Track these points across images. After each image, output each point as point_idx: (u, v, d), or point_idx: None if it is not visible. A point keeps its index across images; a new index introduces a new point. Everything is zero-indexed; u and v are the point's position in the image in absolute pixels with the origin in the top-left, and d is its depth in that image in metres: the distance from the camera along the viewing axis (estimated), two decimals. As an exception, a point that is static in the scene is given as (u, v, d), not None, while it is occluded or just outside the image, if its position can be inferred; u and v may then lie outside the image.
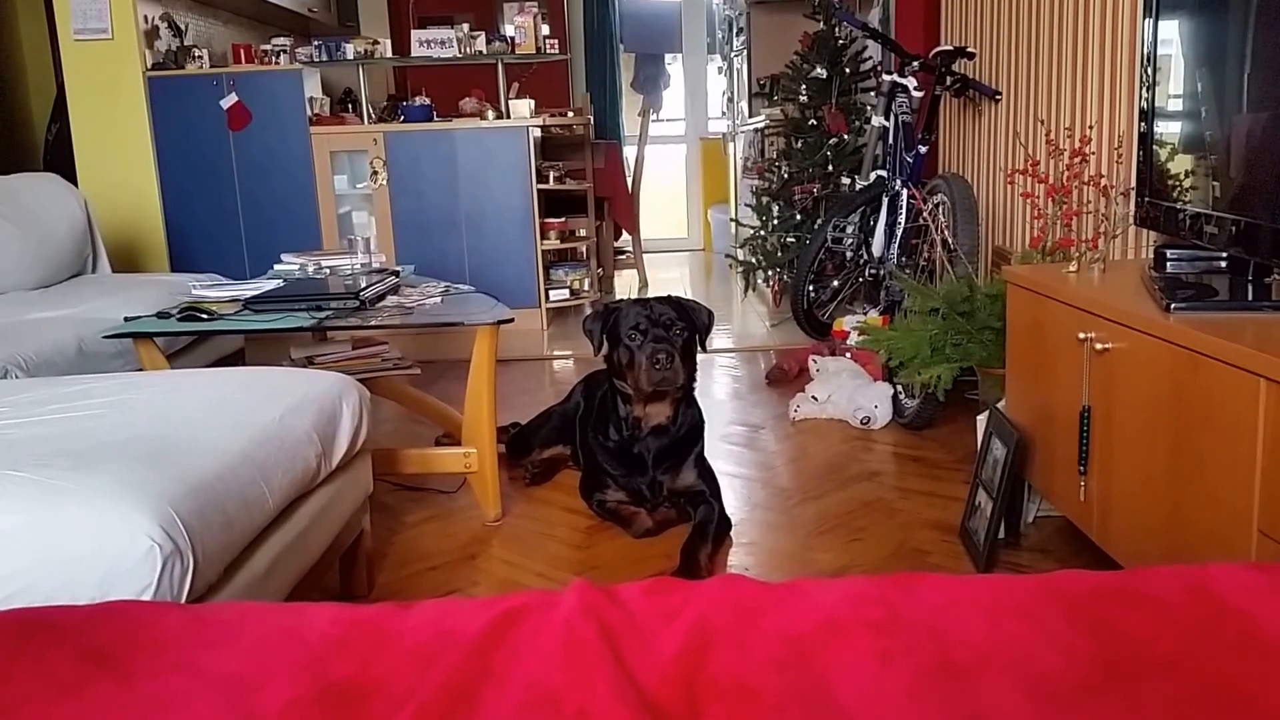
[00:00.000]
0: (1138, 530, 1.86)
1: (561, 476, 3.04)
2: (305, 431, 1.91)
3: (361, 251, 3.45)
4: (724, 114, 8.21)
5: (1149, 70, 2.23)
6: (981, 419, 2.56)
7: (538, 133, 5.35)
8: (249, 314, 2.66)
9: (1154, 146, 2.23)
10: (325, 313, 2.63)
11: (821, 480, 2.94)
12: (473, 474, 2.67)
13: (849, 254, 4.31)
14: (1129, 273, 2.22)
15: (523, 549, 2.54)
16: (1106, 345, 1.89)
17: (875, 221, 4.11)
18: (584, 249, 5.74)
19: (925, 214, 3.35)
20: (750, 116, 6.64)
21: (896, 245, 3.58)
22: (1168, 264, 2.20)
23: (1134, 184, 2.36)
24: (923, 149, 3.71)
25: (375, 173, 5.25)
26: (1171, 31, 2.18)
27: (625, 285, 6.79)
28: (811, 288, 4.46)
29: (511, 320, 2.56)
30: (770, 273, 5.20)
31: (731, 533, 2.56)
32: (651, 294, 6.60)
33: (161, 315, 2.68)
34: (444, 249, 5.28)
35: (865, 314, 4.27)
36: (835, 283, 4.54)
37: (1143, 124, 2.27)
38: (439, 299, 2.88)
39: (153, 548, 1.39)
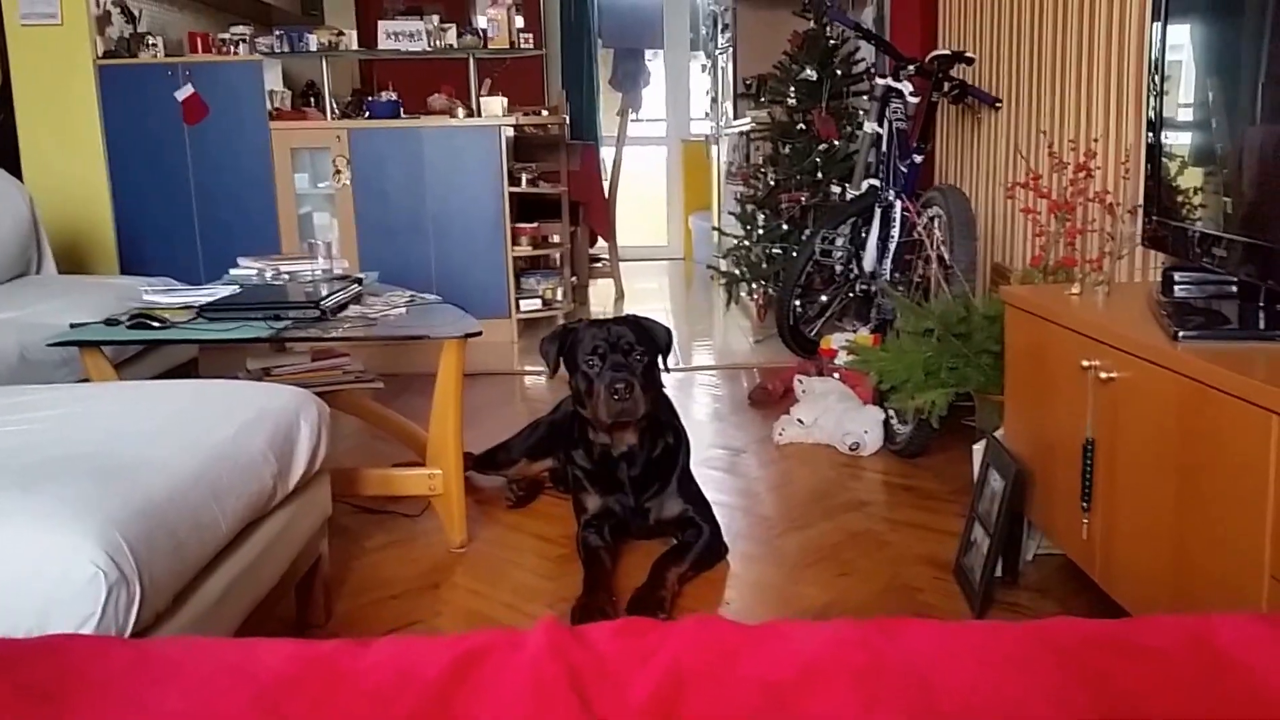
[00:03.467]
0: (1142, 573, 1.87)
1: (539, 503, 3.03)
2: (260, 450, 1.90)
3: (323, 257, 3.43)
4: (707, 115, 8.25)
5: (1157, 80, 2.25)
6: (978, 448, 2.58)
7: (510, 132, 5.36)
8: (203, 323, 2.64)
9: (1162, 161, 2.25)
10: (284, 323, 2.61)
11: (807, 509, 2.95)
12: (437, 497, 2.66)
13: (838, 267, 4.33)
14: (1135, 296, 2.23)
15: (489, 578, 2.53)
16: (1111, 375, 1.91)
17: (867, 234, 4.13)
18: (557, 256, 5.73)
19: (920, 228, 3.38)
20: (736, 118, 6.67)
21: (890, 260, 3.60)
22: (1175, 287, 2.22)
23: (1141, 201, 2.39)
24: (918, 158, 3.74)
25: (338, 172, 5.23)
26: (1182, 38, 2.19)
27: (601, 295, 6.80)
28: (798, 302, 4.47)
29: (479, 334, 2.56)
30: (755, 285, 5.22)
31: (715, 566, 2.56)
32: (629, 306, 6.67)
33: (110, 322, 2.66)
34: (409, 254, 5.27)
35: (855, 331, 4.29)
36: (823, 297, 4.56)
37: (1150, 137, 2.29)
38: (404, 309, 2.87)
39: (97, 575, 1.37)
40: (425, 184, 5.25)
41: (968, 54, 3.85)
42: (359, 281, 3.29)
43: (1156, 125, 2.26)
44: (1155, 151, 2.27)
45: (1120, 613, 1.95)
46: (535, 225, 5.51)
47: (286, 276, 3.44)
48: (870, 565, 2.55)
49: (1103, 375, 1.92)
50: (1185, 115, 2.20)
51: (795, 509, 2.96)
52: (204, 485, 1.67)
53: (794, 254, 4.78)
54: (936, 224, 3.37)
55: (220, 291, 2.98)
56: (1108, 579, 1.99)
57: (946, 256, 3.12)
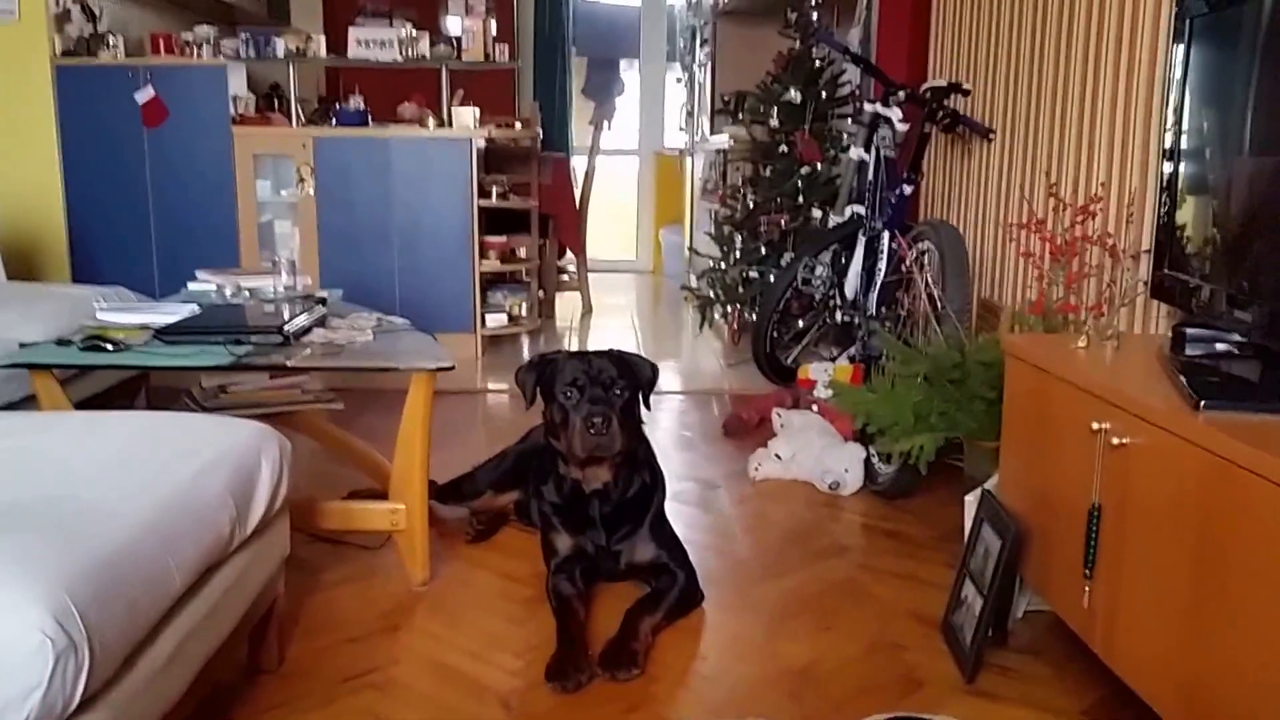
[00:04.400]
0: (1150, 652, 1.80)
1: (502, 536, 2.93)
2: (218, 494, 1.79)
3: (286, 273, 3.31)
4: (682, 129, 8.19)
5: (1172, 117, 2.19)
6: (970, 500, 2.51)
7: (481, 143, 5.25)
8: (159, 345, 2.52)
9: (1176, 208, 2.19)
10: (245, 348, 2.49)
11: (785, 553, 2.87)
12: (399, 532, 2.55)
13: (819, 295, 4.28)
14: (1144, 353, 2.18)
15: (453, 622, 2.42)
16: (1124, 440, 1.84)
17: (849, 261, 4.08)
18: (524, 271, 5.63)
19: (909, 263, 3.32)
20: (712, 134, 6.61)
21: (876, 294, 3.53)
22: (1186, 345, 2.16)
23: (1148, 248, 2.33)
24: (908, 189, 3.68)
25: (302, 180, 5.10)
26: (1204, 70, 2.11)
27: (567, 310, 6.69)
28: (775, 329, 4.41)
29: (452, 368, 2.46)
30: (730, 308, 5.14)
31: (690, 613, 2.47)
32: (596, 321, 6.58)
33: (62, 343, 2.54)
34: (374, 266, 5.15)
35: (833, 360, 4.22)
36: (801, 324, 4.50)
37: (1164, 182, 2.22)
38: (370, 335, 2.76)
39: (44, 642, 1.26)
40: (392, 195, 5.13)
41: (964, 86, 3.80)
42: (323, 302, 3.18)
43: (1172, 172, 2.20)
44: (1170, 197, 2.21)
45: (1116, 680, 1.89)
46: (504, 239, 5.41)
47: (247, 294, 3.32)
48: (854, 619, 2.47)
49: (1115, 440, 1.85)
50: (1200, 161, 2.13)
51: (772, 553, 2.88)
52: (158, 536, 1.56)
53: (772, 278, 4.72)
54: (927, 259, 3.31)
55: (179, 311, 2.86)
56: (1110, 653, 1.92)
57: (938, 295, 3.06)
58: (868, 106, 4.04)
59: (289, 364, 2.46)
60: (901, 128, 3.89)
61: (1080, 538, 1.99)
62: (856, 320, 3.73)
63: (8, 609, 1.26)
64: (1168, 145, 2.22)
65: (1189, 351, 2.03)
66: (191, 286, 3.48)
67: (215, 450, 1.89)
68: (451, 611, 2.48)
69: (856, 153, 4.10)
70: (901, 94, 3.82)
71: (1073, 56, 3.21)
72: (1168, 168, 2.21)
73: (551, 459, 2.54)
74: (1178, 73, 2.17)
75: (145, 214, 5.05)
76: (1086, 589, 1.98)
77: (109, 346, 2.48)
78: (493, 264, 5.30)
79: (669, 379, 4.96)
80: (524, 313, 5.55)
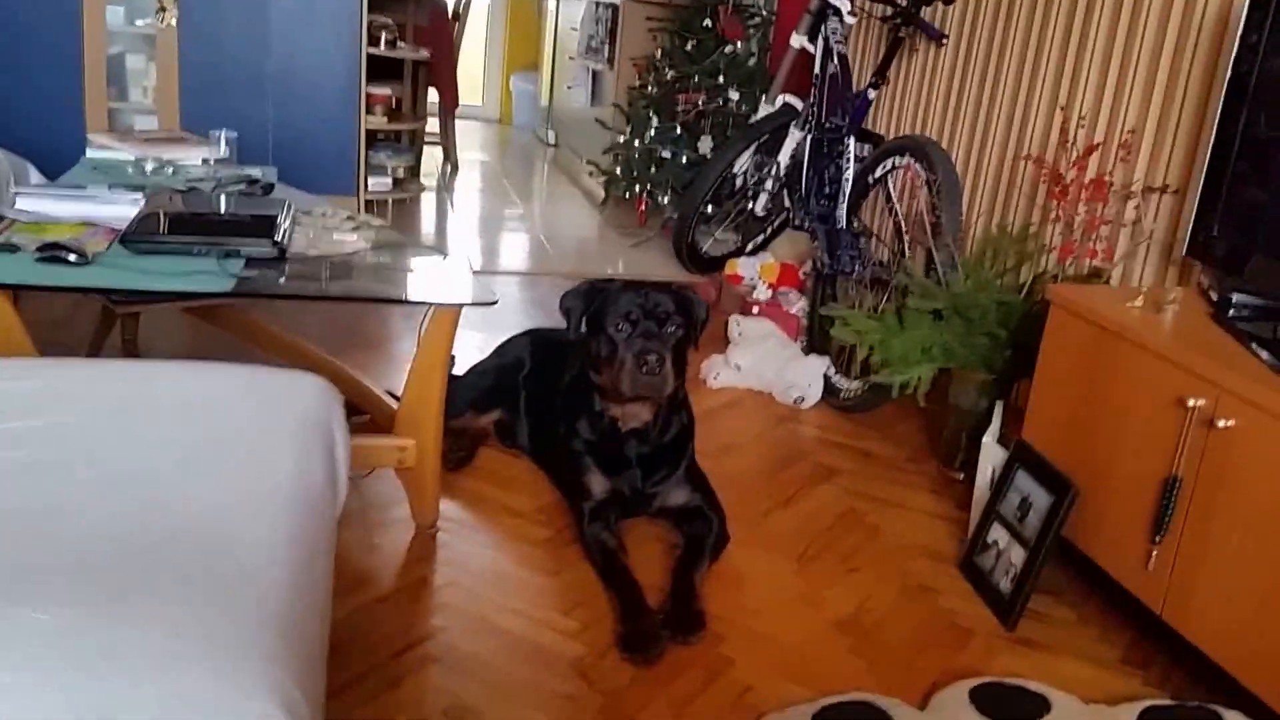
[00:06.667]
0: (1232, 622, 1.86)
1: (485, 461, 2.75)
2: (321, 483, 1.55)
3: (224, 145, 2.90)
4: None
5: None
6: (989, 441, 2.51)
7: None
8: (127, 256, 2.14)
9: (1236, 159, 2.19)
10: (239, 264, 2.15)
11: (777, 478, 2.83)
12: (407, 470, 2.34)
13: (738, 184, 4.17)
14: (1199, 318, 2.20)
15: (479, 572, 2.24)
16: (1229, 423, 1.85)
17: (776, 152, 3.98)
18: (414, 132, 5.22)
19: (896, 188, 3.23)
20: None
21: (846, 205, 3.43)
22: (1231, 311, 2.20)
23: (1196, 204, 2.32)
24: (871, 93, 3.56)
25: (163, 9, 4.46)
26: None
27: (432, 164, 6.28)
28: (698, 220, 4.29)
29: (495, 303, 2.22)
30: (637, 188, 4.94)
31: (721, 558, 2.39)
32: (464, 179, 6.21)
33: (6, 248, 2.10)
34: (244, 115, 4.57)
35: (756, 255, 4.15)
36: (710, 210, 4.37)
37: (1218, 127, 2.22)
38: (360, 240, 2.45)
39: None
40: (269, 34, 4.58)
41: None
42: (270, 188, 2.83)
43: (1233, 110, 2.19)
44: (1229, 147, 2.21)
45: (1139, 626, 1.95)
46: (388, 92, 4.98)
47: (169, 169, 2.91)
48: (874, 559, 2.46)
49: (1220, 424, 1.86)
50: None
51: (764, 479, 2.83)
52: (315, 568, 1.33)
53: (684, 159, 4.56)
54: (902, 176, 3.23)
55: (119, 200, 2.45)
56: (1179, 617, 1.97)
57: (929, 221, 2.98)
58: (816, -6, 3.86)
59: (308, 294, 2.15)
60: (850, 20, 3.75)
61: (1148, 504, 2.03)
62: (809, 225, 3.62)
63: (240, 699, 1.04)
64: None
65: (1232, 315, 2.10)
66: (92, 154, 3.01)
67: (297, 419, 1.63)
68: (472, 560, 2.30)
69: (798, 40, 3.92)
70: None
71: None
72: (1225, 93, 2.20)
73: (586, 392, 2.37)
74: None
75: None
76: (1154, 553, 2.02)
77: (69, 258, 2.09)
78: (380, 120, 4.87)
79: (564, 258, 4.75)
80: (400, 174, 5.16)
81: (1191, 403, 1.92)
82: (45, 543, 1.21)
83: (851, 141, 3.47)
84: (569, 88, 6.71)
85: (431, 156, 6.37)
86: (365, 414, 2.57)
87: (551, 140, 7.29)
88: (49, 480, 1.34)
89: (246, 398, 1.67)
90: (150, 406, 1.59)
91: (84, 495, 1.32)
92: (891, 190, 3.36)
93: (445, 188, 6.01)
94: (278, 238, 2.25)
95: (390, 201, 5.04)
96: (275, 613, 1.18)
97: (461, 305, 2.17)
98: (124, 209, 2.39)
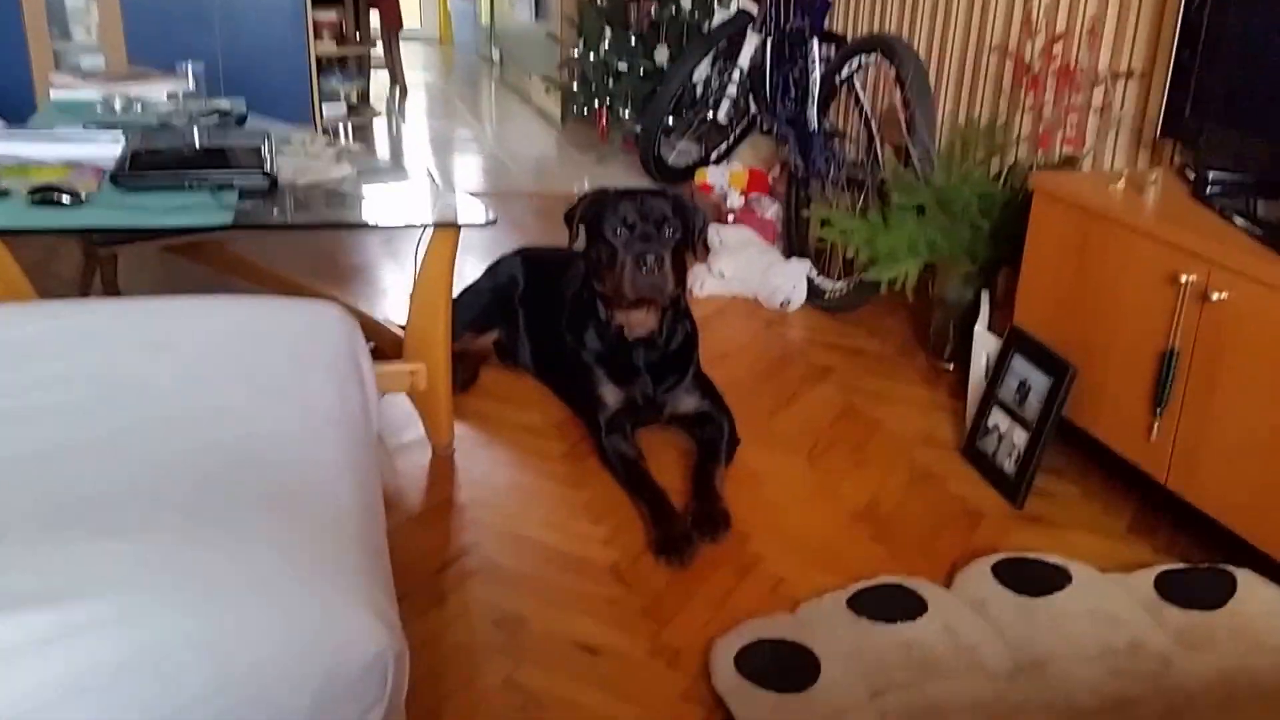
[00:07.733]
0: (1237, 485, 1.95)
1: (489, 381, 2.77)
2: (358, 414, 1.56)
3: (191, 80, 2.83)
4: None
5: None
6: (980, 330, 2.57)
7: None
8: (118, 194, 2.11)
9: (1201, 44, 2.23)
10: (231, 196, 2.12)
11: (776, 378, 2.88)
12: (420, 394, 2.35)
13: (700, 92, 4.15)
14: (1178, 195, 2.25)
15: (503, 490, 2.28)
16: (1222, 295, 1.92)
17: (735, 58, 3.96)
18: (361, 57, 5.11)
19: (860, 87, 3.24)
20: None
21: (816, 107, 3.43)
22: (1209, 188, 2.26)
23: (1167, 86, 2.37)
24: (834, -7, 3.55)
25: (97, -57, 4.31)
26: None
27: (379, 89, 6.17)
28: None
29: (494, 221, 2.21)
30: (596, 102, 4.89)
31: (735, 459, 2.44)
32: (413, 101, 6.11)
33: (-1, 195, 2.06)
34: (191, 48, 4.38)
35: (723, 165, 4.16)
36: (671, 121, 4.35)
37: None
38: (348, 168, 2.42)
39: (382, 653, 1.08)
40: (209, -37, 4.44)
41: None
42: (242, 120, 2.78)
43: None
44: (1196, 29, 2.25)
45: (1141, 498, 2.08)
46: (335, 16, 4.86)
47: (138, 106, 2.84)
48: (878, 450, 2.53)
49: (1214, 296, 1.93)
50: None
51: (762, 380, 2.88)
52: (371, 489, 1.36)
53: (640, 71, 4.52)
54: (869, 75, 3.24)
55: (98, 138, 2.40)
56: (1185, 484, 2.05)
57: (904, 118, 3.00)
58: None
59: (309, 223, 2.14)
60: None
61: (1147, 379, 2.10)
62: (779, 129, 3.63)
63: (350, 619, 1.06)
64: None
65: (1210, 192, 2.17)
66: (56, 96, 2.93)
67: (329, 351, 1.63)
68: (493, 477, 2.34)
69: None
70: None
71: None
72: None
73: (590, 304, 2.39)
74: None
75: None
76: (1155, 426, 2.10)
77: (64, 199, 2.06)
78: (329, 46, 4.77)
79: (524, 177, 4.72)
80: (352, 100, 5.07)
81: (1184, 279, 1.98)
82: (113, 475, 1.21)
83: (815, 43, 3.47)
84: (511, 3, 6.58)
85: (377, 80, 6.25)
86: (370, 341, 2.56)
87: (496, 58, 7.17)
88: (105, 416, 1.34)
89: (277, 330, 1.67)
90: (183, 342, 1.58)
91: (144, 429, 1.31)
92: (859, 90, 3.36)
93: (396, 111, 5.91)
94: (268, 169, 2.22)
95: (348, 128, 4.95)
96: (354, 531, 1.21)
97: (463, 226, 2.16)
98: (105, 148, 2.35)
